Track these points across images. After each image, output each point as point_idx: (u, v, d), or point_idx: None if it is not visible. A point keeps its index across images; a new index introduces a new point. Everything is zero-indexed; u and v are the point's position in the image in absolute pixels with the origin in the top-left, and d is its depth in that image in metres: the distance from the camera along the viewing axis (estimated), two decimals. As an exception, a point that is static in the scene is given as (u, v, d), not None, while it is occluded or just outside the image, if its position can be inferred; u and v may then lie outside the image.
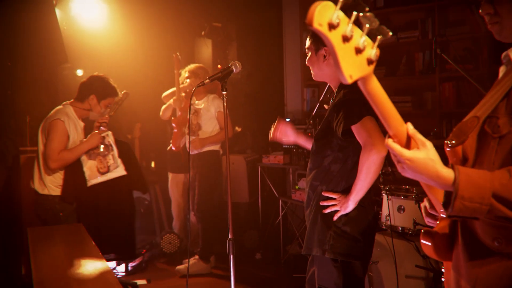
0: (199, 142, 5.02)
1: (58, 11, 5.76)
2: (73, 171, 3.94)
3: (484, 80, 4.80)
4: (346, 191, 2.59)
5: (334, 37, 1.17)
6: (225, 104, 2.78)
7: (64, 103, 4.19)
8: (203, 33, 7.54)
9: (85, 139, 4.03)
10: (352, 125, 2.48)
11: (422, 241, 1.65)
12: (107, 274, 2.52)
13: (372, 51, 1.22)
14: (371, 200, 2.72)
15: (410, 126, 1.41)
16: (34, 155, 4.24)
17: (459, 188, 1.36)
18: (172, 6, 7.15)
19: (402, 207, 3.89)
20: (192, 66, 5.38)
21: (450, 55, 5.01)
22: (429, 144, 1.39)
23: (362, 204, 2.60)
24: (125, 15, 6.61)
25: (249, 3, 7.24)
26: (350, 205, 2.55)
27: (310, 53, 2.73)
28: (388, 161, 5.73)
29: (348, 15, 1.18)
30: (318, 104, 4.48)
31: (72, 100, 4.19)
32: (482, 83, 4.09)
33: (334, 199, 2.59)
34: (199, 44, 7.92)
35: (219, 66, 7.63)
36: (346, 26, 1.18)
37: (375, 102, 1.33)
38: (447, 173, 1.37)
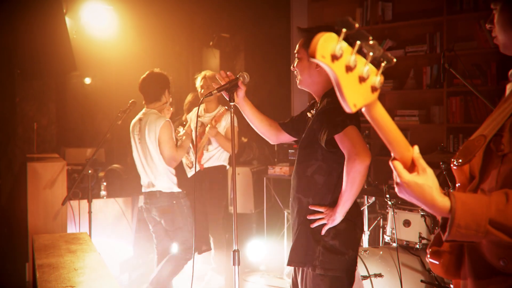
0: (214, 133, 4.74)
1: (68, 20, 5.81)
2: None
3: (492, 96, 4.78)
4: (333, 204, 2.56)
5: (337, 68, 1.17)
6: (232, 114, 2.77)
7: (146, 110, 4.34)
8: (211, 43, 7.58)
9: (183, 135, 4.37)
10: (335, 135, 2.45)
11: (431, 260, 1.63)
12: (111, 282, 2.52)
13: (376, 79, 1.22)
14: (358, 212, 2.70)
15: (416, 150, 1.40)
16: (46, 162, 4.28)
17: (455, 217, 1.36)
18: (181, 16, 7.20)
19: (408, 221, 3.87)
20: (210, 73, 5.04)
21: (458, 70, 5.00)
22: (429, 171, 1.38)
23: (349, 217, 2.56)
24: (134, 24, 6.66)
25: (257, 15, 7.27)
26: (337, 217, 2.51)
27: (300, 58, 2.69)
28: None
29: (352, 44, 1.18)
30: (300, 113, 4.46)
31: (148, 105, 4.35)
32: (490, 98, 4.09)
33: (321, 212, 2.56)
34: (207, 54, 7.96)
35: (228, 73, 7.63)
36: (350, 56, 1.18)
37: (380, 128, 1.32)
38: (443, 202, 1.37)
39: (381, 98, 5.74)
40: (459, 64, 5.15)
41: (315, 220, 2.58)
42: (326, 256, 2.54)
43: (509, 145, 1.44)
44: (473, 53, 5.26)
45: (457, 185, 1.61)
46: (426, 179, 1.37)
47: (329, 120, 2.48)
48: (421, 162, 1.38)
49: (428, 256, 1.64)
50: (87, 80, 7.60)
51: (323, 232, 2.55)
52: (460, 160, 1.55)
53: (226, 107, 4.93)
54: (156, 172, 4.24)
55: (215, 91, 2.81)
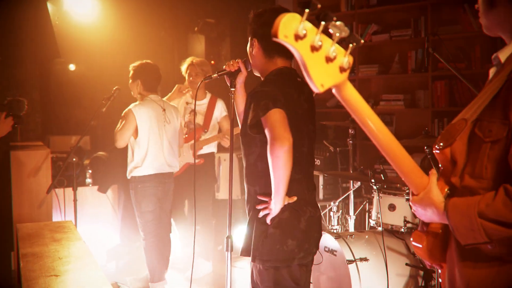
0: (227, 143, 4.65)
1: (50, 6, 5.73)
2: None
3: (477, 79, 4.81)
4: None
5: (301, 48, 1.17)
6: (233, 101, 2.74)
7: (157, 97, 4.49)
8: (196, 29, 7.51)
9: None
10: (259, 119, 2.43)
11: (414, 243, 1.64)
12: (96, 271, 2.51)
13: (344, 59, 1.22)
14: (308, 201, 2.60)
15: (433, 171, 1.53)
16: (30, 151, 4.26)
17: (450, 221, 1.45)
18: (165, 1, 7.12)
19: (393, 205, 3.89)
20: (197, 59, 4.88)
21: (443, 54, 5.01)
22: (433, 184, 1.50)
23: (295, 206, 2.51)
24: (118, 9, 6.58)
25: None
26: (275, 206, 2.46)
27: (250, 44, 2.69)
28: (379, 159, 5.75)
29: (317, 25, 1.18)
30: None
31: (155, 92, 4.49)
32: (474, 82, 4.11)
33: (266, 201, 2.51)
34: (192, 40, 7.89)
35: (212, 62, 7.59)
36: (314, 36, 1.18)
37: (352, 110, 1.33)
38: (442, 207, 1.48)
39: (366, 83, 5.79)
40: (444, 48, 5.16)
41: (254, 207, 2.56)
42: (265, 247, 2.51)
43: (500, 132, 1.44)
44: (457, 37, 5.26)
45: (440, 169, 1.62)
46: (427, 192, 1.49)
47: (255, 104, 2.45)
48: (432, 179, 1.51)
49: (412, 239, 1.65)
50: (72, 67, 7.52)
51: (268, 221, 2.50)
52: (442, 144, 1.56)
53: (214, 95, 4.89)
54: (177, 154, 4.53)
55: (215, 75, 2.79)
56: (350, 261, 3.60)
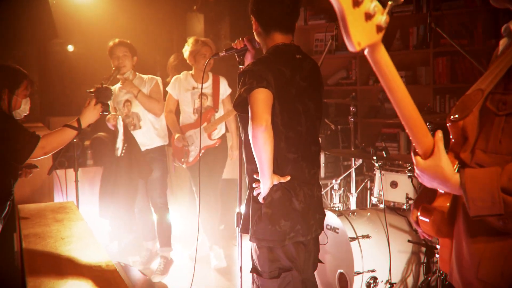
0: (211, 126, 4.62)
1: (46, -15, 5.66)
2: None
3: (479, 56, 4.76)
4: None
5: (344, 1, 1.12)
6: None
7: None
8: (195, 7, 7.44)
9: None
10: (243, 98, 2.42)
11: (420, 217, 1.60)
12: (99, 250, 2.51)
13: (382, 18, 1.17)
14: (303, 181, 2.57)
15: (439, 134, 1.41)
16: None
17: (466, 191, 1.38)
18: (164, -21, 7.04)
19: (395, 182, 3.88)
20: (202, 38, 4.72)
21: (445, 29, 4.95)
22: (441, 153, 1.40)
23: (287, 186, 2.50)
24: (116, -12, 6.51)
25: (241, -23, 7.14)
26: (263, 185, 2.46)
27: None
28: (380, 136, 5.73)
29: None
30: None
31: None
32: (476, 58, 4.06)
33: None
34: (191, 19, 7.82)
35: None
36: None
37: (382, 75, 1.27)
38: (454, 178, 1.40)
39: (367, 60, 5.70)
40: (446, 24, 5.11)
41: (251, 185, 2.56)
42: (259, 225, 2.51)
43: None
44: (459, 13, 5.20)
45: (452, 141, 1.58)
46: (436, 160, 1.40)
47: (241, 83, 2.45)
48: (439, 145, 1.40)
49: (419, 213, 1.61)
50: (70, 48, 7.46)
51: (260, 200, 2.51)
52: (457, 115, 1.51)
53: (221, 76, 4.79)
54: None
55: (222, 53, 2.79)
56: (352, 239, 3.60)
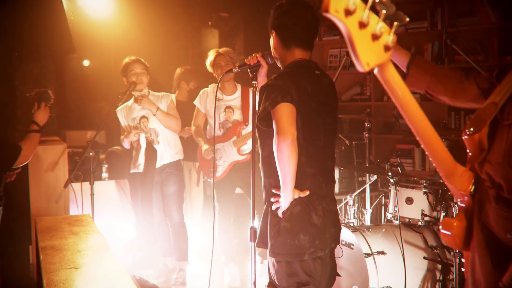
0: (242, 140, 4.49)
1: (64, 1, 5.75)
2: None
3: (492, 71, 4.74)
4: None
5: (350, 24, 1.15)
6: (257, 95, 2.74)
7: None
8: (210, 23, 7.50)
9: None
10: (268, 113, 2.44)
11: (442, 230, 1.63)
12: (115, 263, 2.52)
13: (389, 38, 1.20)
14: (321, 196, 2.56)
15: None
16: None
17: None
18: (179, -4, 7.13)
19: (410, 199, 3.87)
20: (222, 49, 4.55)
21: (460, 46, 4.95)
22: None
23: (306, 200, 2.50)
24: (132, 4, 6.59)
25: (256, -7, 7.20)
26: (284, 199, 2.46)
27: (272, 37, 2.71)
28: (394, 152, 5.71)
29: (364, 1, 1.16)
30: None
31: None
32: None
33: (279, 194, 2.51)
34: (206, 34, 7.89)
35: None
36: (363, 12, 1.16)
37: (392, 91, 1.30)
38: None
39: (382, 76, 5.57)
40: (461, 40, 5.11)
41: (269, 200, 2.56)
42: (277, 240, 2.51)
43: None
44: (474, 29, 5.20)
45: (469, 154, 1.59)
46: None
47: (265, 97, 2.46)
48: None
49: (440, 226, 1.63)
50: (86, 63, 7.56)
51: (279, 214, 2.51)
52: (472, 129, 1.53)
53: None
54: None
55: (236, 69, 2.82)
56: (368, 255, 3.59)
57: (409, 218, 3.88)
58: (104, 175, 5.42)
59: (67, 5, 5.91)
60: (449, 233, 1.62)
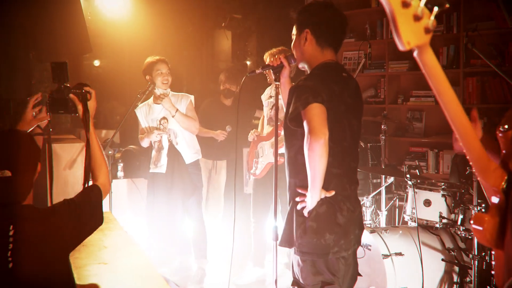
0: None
1: (82, 1, 5.79)
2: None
3: (510, 76, 4.76)
4: None
5: (394, 2, 1.20)
6: (279, 95, 2.76)
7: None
8: (223, 24, 7.55)
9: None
10: (299, 113, 2.46)
11: (474, 225, 1.63)
12: (143, 258, 2.55)
13: (429, 21, 1.23)
14: (346, 196, 2.58)
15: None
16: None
17: None
18: (194, -3, 7.17)
19: (428, 201, 3.89)
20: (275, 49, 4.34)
21: (477, 50, 4.97)
22: None
23: (332, 200, 2.52)
24: (147, 5, 6.63)
25: (269, -5, 7.25)
26: (311, 199, 2.48)
27: (294, 38, 2.72)
28: (409, 155, 5.73)
29: None
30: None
31: None
32: (510, 78, 4.07)
33: (304, 194, 2.53)
34: (219, 35, 7.93)
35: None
36: None
37: (430, 74, 1.33)
38: None
39: (396, 79, 5.76)
40: (478, 45, 5.12)
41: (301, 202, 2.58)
42: (304, 239, 2.53)
43: None
44: (490, 33, 5.21)
45: (503, 152, 1.61)
46: None
47: (296, 98, 2.49)
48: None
49: (472, 221, 1.64)
50: (96, 62, 7.61)
51: (305, 213, 2.53)
52: (506, 126, 1.55)
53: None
54: None
55: (259, 70, 2.85)
56: (385, 256, 3.61)
57: (427, 220, 3.90)
58: (120, 173, 5.46)
59: (84, 5, 5.96)
60: (480, 228, 1.62)
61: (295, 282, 2.65)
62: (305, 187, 2.52)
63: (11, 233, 1.91)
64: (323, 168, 2.41)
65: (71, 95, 2.51)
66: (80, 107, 2.47)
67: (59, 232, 2.01)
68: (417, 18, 1.22)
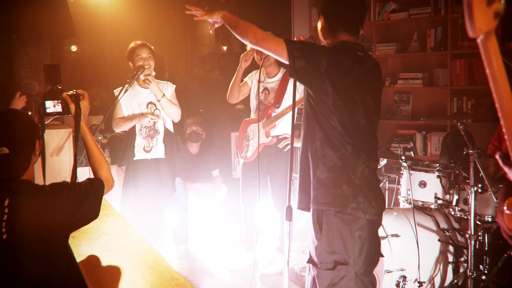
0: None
1: (64, -17, 5.65)
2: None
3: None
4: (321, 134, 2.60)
5: None
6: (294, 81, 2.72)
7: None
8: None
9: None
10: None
11: (507, 211, 1.61)
12: (145, 245, 2.50)
13: (500, 5, 1.19)
14: (362, 162, 2.58)
15: None
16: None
17: None
18: (177, -20, 7.05)
19: (423, 182, 3.90)
20: None
21: (464, 31, 4.99)
22: None
23: (349, 157, 2.55)
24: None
25: (253, -22, 7.17)
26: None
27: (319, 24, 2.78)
28: (396, 137, 5.75)
29: None
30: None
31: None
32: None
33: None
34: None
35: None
36: None
37: (489, 62, 1.27)
38: None
39: (383, 61, 5.77)
40: (463, 26, 5.14)
41: (308, 160, 2.63)
42: (320, 190, 2.55)
43: None
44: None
45: None
46: None
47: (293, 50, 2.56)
48: None
49: (505, 207, 1.62)
50: (73, 48, 7.47)
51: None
52: None
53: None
54: None
55: None
56: (382, 237, 3.62)
57: (422, 201, 3.92)
58: (107, 159, 5.36)
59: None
60: None
61: (310, 259, 2.66)
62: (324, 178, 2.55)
63: (6, 204, 1.96)
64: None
65: (64, 95, 2.54)
66: (72, 106, 2.50)
67: (54, 210, 2.05)
68: (490, 1, 1.17)
